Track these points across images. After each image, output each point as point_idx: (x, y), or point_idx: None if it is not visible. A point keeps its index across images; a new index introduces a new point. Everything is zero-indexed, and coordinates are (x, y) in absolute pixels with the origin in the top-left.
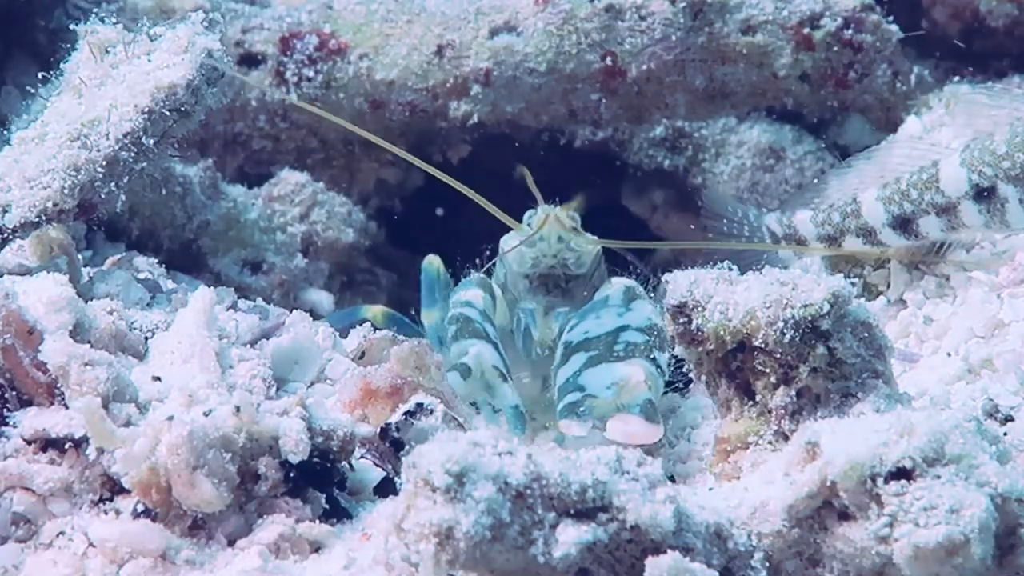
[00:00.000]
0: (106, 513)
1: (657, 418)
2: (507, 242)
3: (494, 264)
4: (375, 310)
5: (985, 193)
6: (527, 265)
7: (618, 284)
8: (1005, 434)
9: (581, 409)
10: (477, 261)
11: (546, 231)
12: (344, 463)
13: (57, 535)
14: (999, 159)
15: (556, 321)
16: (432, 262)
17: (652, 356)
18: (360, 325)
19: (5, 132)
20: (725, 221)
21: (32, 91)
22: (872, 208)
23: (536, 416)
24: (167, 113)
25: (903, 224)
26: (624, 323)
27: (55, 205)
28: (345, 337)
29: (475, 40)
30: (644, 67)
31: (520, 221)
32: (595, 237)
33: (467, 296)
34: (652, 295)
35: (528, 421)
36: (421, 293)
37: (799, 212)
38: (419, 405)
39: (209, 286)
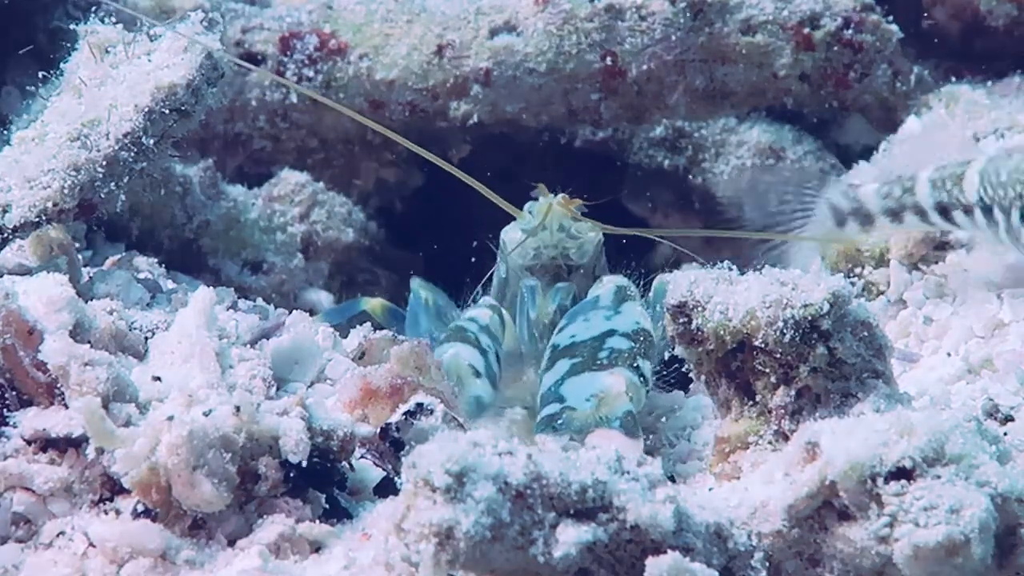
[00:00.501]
0: (106, 513)
1: (638, 432)
2: (508, 233)
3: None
4: (374, 303)
5: (987, 209)
6: (529, 256)
7: (609, 283)
8: (1005, 434)
9: (559, 422)
10: (475, 243)
11: (548, 219)
12: (344, 463)
13: (57, 535)
14: (998, 185)
15: (554, 300)
16: (420, 289)
17: (636, 364)
18: (359, 322)
19: (5, 132)
20: (761, 207)
21: (32, 91)
22: (923, 188)
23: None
24: (167, 113)
25: (943, 211)
26: (611, 327)
27: (55, 205)
28: (345, 336)
29: (475, 40)
30: (644, 67)
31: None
32: (594, 225)
33: (473, 313)
34: (644, 290)
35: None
36: (406, 319)
37: (866, 185)
38: (419, 405)
39: (209, 286)
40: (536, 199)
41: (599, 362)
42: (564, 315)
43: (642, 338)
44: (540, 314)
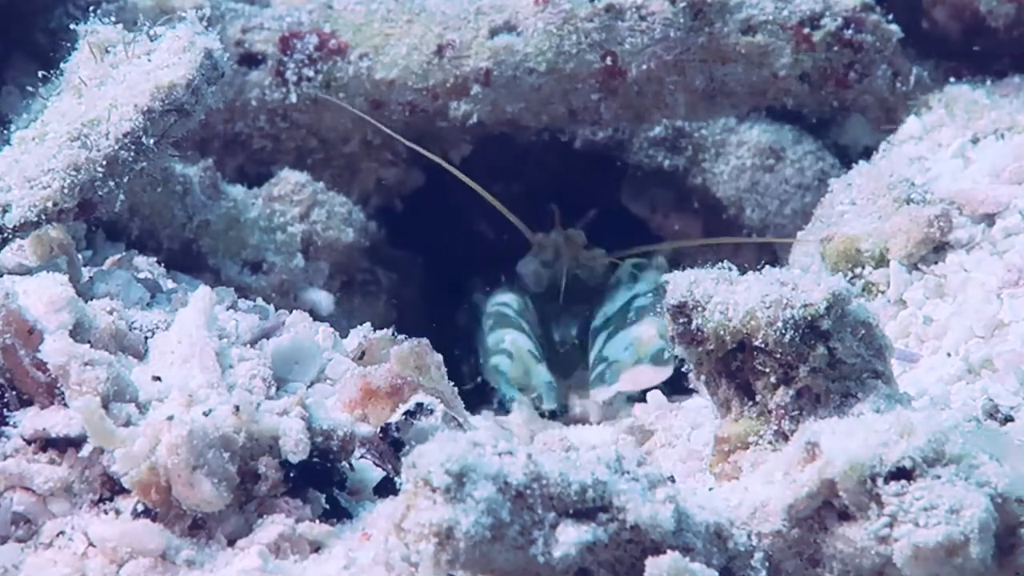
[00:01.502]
0: (106, 513)
1: (668, 361)
2: (524, 267)
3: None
4: None
5: None
6: (544, 284)
7: (625, 266)
8: (1005, 434)
9: (607, 376)
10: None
11: (561, 251)
12: (344, 463)
13: (57, 535)
14: None
15: (573, 325)
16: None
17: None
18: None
19: (5, 132)
20: None
21: (32, 91)
22: None
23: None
24: (167, 112)
25: None
26: (633, 294)
27: (55, 205)
28: (345, 336)
29: (475, 40)
30: (644, 67)
31: (524, 221)
32: (604, 251)
33: (502, 299)
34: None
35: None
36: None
37: None
38: (419, 405)
39: (209, 286)
40: (544, 233)
41: (629, 321)
42: (589, 330)
43: (663, 289)
44: (563, 336)
